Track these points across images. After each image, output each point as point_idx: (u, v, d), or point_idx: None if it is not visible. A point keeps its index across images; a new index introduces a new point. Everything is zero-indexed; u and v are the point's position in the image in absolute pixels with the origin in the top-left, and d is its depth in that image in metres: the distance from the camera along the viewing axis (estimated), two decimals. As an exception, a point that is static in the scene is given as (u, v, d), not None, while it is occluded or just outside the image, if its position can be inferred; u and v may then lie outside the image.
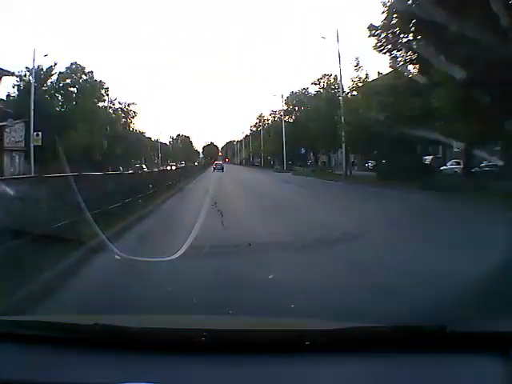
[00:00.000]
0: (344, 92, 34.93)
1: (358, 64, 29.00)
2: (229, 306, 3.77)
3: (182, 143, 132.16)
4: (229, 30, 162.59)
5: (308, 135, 48.10)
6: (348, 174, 34.99)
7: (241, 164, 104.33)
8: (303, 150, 58.76)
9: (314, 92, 57.11)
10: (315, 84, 54.90)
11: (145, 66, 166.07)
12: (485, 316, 2.42)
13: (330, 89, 47.54)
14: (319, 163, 58.89)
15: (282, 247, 7.02)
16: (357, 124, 25.66)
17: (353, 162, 56.03)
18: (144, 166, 47.06)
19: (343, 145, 32.49)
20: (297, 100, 64.91)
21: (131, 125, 58.30)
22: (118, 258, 5.31)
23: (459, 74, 13.86)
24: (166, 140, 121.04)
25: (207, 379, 1.73)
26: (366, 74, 29.47)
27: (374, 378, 1.73)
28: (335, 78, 46.74)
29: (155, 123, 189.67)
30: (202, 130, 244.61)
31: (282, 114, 66.56)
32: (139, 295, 4.59)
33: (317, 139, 44.06)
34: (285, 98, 66.17)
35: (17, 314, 3.46)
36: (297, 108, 64.57)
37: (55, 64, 41.93)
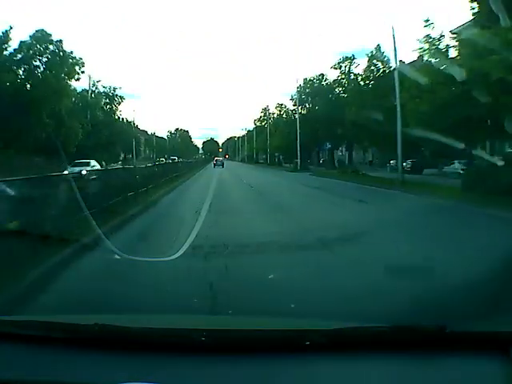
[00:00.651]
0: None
1: (428, 20, 19.09)
2: (229, 306, 3.78)
3: (181, 138, 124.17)
4: (232, 26, 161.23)
5: (328, 127, 42.24)
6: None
7: (242, 161, 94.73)
8: (328, 145, 49.22)
9: (334, 78, 48.63)
10: (335, 68, 45.73)
11: (146, 65, 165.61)
12: (485, 316, 2.42)
13: (372, 64, 33.45)
14: (335, 161, 51.59)
15: None
16: (431, 104, 17.26)
17: (371, 161, 48.87)
18: (94, 164, 28.94)
19: (398, 135, 22.52)
20: (309, 89, 54.73)
21: (117, 112, 49.40)
22: (118, 257, 5.34)
23: None
24: (165, 136, 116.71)
25: (207, 379, 1.73)
26: (441, 35, 19.31)
27: (374, 378, 1.72)
28: (377, 49, 32.71)
29: (156, 119, 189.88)
30: (202, 125, 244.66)
31: (296, 101, 54.27)
32: (138, 295, 4.58)
33: (348, 129, 33.96)
34: (295, 85, 57.76)
35: (17, 314, 3.47)
36: (309, 98, 55.34)
37: (11, 28, 32.02)
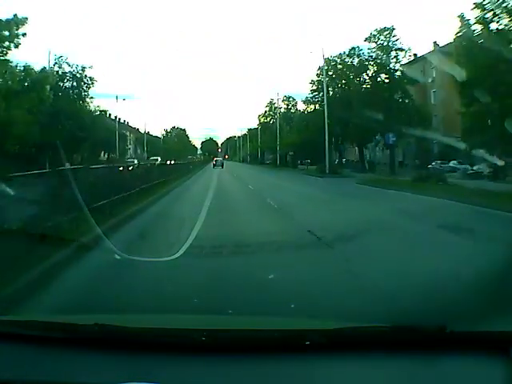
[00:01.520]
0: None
1: None
2: (229, 306, 3.78)
3: (177, 136, 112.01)
4: (232, 26, 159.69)
5: (363, 116, 30.74)
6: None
7: (244, 162, 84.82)
8: (392, 139, 33.37)
9: (367, 53, 38.68)
10: (369, 42, 37.34)
11: (146, 65, 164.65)
12: (485, 316, 2.42)
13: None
14: (366, 162, 42.14)
15: None
16: None
17: (401, 161, 40.44)
18: None
19: None
20: (332, 70, 41.41)
21: (88, 100, 37.52)
22: (118, 257, 5.35)
23: None
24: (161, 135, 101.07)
25: (207, 379, 1.73)
26: None
27: (374, 378, 1.73)
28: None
29: (155, 120, 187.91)
30: (201, 126, 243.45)
31: (323, 81, 39.48)
32: (138, 295, 4.59)
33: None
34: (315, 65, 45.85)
35: (16, 314, 3.47)
36: (336, 81, 41.84)
37: None
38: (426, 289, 4.36)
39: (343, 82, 41.01)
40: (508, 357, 1.73)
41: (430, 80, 41.51)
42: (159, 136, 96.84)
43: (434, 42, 43.35)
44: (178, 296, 4.48)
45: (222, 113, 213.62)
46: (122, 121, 67.83)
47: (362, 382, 1.71)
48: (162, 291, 4.68)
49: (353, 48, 40.14)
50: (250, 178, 29.75)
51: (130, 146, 69.76)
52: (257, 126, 79.71)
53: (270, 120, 71.28)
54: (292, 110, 63.75)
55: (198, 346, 1.85)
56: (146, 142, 73.09)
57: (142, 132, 77.24)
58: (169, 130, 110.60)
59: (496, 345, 1.79)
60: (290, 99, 65.16)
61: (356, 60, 40.13)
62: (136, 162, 35.81)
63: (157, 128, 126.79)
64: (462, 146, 21.65)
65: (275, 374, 1.73)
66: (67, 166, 9.69)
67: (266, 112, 76.10)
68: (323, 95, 38.84)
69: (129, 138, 69.69)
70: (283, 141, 55.25)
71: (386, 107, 32.62)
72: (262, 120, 77.33)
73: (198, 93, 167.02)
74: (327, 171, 35.08)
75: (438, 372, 1.73)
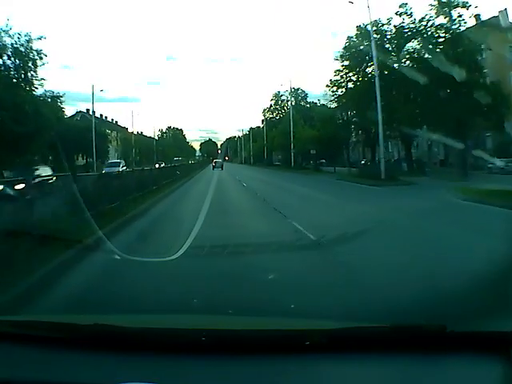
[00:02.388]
0: None
1: None
2: (229, 306, 3.78)
3: (173, 137, 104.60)
4: (230, 16, 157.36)
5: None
6: None
7: (246, 163, 76.19)
8: None
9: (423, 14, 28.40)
10: None
11: (145, 68, 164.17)
12: (485, 316, 2.42)
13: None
14: (413, 162, 32.13)
15: None
16: None
17: (442, 160, 32.14)
18: None
19: None
20: (367, 41, 29.08)
21: (35, 81, 27.10)
22: (118, 257, 5.35)
23: None
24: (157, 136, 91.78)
25: (207, 379, 1.73)
26: None
27: (374, 378, 1.73)
28: None
29: (154, 123, 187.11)
30: (199, 127, 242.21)
31: (370, 46, 27.49)
32: (139, 295, 4.59)
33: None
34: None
35: (16, 314, 3.48)
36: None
37: None
38: (425, 288, 4.34)
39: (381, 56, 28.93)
40: (508, 357, 1.73)
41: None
42: (154, 137, 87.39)
43: (476, 16, 32.45)
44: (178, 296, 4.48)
45: (221, 114, 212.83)
46: (109, 120, 63.05)
47: (362, 381, 1.72)
48: (162, 290, 4.69)
49: (402, 4, 29.24)
50: (270, 193, 18.82)
51: (117, 148, 62.39)
52: (260, 125, 72.36)
53: (277, 115, 65.70)
54: (301, 104, 58.90)
55: (197, 345, 1.85)
56: (134, 142, 64.41)
57: (135, 132, 69.57)
58: (164, 131, 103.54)
59: (496, 345, 1.79)
60: (299, 91, 60.01)
61: (407, 20, 29.38)
62: (49, 171, 18.37)
63: (154, 130, 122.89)
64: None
65: (275, 374, 1.73)
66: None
67: (271, 106, 68.82)
68: (361, 69, 30.61)
69: (116, 138, 62.31)
70: (299, 136, 45.22)
71: (449, 87, 24.54)
72: (267, 115, 69.16)
73: (196, 94, 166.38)
74: (383, 176, 23.43)
75: (438, 372, 1.73)
